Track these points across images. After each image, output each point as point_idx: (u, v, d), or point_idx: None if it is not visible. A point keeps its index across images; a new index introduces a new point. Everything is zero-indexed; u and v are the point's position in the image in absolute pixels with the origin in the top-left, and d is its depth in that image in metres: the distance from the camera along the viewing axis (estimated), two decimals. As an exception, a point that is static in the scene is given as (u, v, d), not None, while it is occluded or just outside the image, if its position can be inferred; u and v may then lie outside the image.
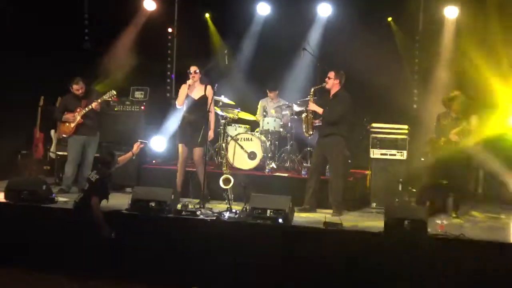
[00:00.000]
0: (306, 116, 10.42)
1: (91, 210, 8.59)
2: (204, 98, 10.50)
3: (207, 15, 13.94)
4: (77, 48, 13.61)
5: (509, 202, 11.36)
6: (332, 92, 10.37)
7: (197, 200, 10.24)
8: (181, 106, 10.55)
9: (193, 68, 10.51)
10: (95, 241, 8.55)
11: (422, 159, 10.67)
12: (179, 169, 10.65)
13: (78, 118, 10.92)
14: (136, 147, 9.69)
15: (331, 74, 10.31)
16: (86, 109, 10.89)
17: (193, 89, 10.54)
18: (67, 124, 11.02)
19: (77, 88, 10.96)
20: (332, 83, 10.30)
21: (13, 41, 12.51)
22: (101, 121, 11.33)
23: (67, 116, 11.00)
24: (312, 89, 10.51)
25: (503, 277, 8.15)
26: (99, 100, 10.86)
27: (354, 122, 11.14)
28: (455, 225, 9.36)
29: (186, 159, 10.63)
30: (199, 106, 10.46)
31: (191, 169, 10.81)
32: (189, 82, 10.48)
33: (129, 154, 9.63)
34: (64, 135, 11.18)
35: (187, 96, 10.52)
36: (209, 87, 10.52)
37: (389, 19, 12.89)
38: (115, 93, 10.90)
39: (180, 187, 10.58)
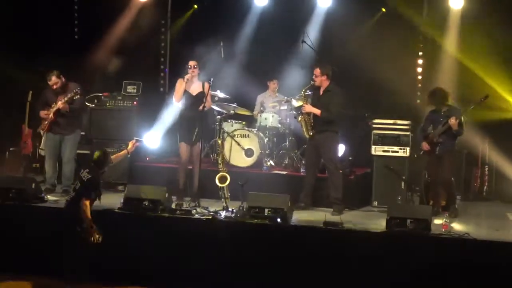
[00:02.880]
0: (303, 118, 10.28)
1: (80, 212, 8.39)
2: (202, 95, 10.38)
3: (195, 6, 13.73)
4: (67, 40, 13.51)
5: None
6: (322, 88, 10.27)
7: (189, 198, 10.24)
8: (178, 102, 10.41)
9: (192, 63, 10.39)
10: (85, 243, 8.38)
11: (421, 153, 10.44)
12: (182, 169, 10.53)
13: (50, 115, 10.63)
14: (131, 145, 9.51)
15: (317, 71, 10.19)
16: (56, 107, 10.58)
17: (191, 84, 10.41)
18: (43, 120, 10.79)
19: (51, 83, 10.63)
20: (320, 80, 10.20)
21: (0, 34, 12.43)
22: (81, 118, 11.14)
23: (42, 112, 10.74)
24: (303, 90, 10.43)
25: (508, 277, 8.06)
26: (64, 99, 10.52)
27: (352, 116, 11.12)
28: (459, 224, 9.27)
29: (188, 157, 10.46)
30: (197, 103, 10.32)
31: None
32: (187, 76, 10.35)
33: (123, 152, 9.47)
34: (41, 131, 11.00)
35: (185, 91, 10.38)
36: (206, 84, 10.40)
37: (383, 9, 12.68)
38: (79, 91, 10.57)
39: (183, 187, 10.46)
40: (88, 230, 8.30)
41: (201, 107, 10.15)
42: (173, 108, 10.61)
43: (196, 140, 10.27)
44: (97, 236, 8.30)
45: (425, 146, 10.07)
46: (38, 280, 8.87)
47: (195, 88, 10.38)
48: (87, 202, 8.41)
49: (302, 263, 8.54)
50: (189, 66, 10.35)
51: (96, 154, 8.81)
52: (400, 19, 12.41)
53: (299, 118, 10.37)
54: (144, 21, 13.25)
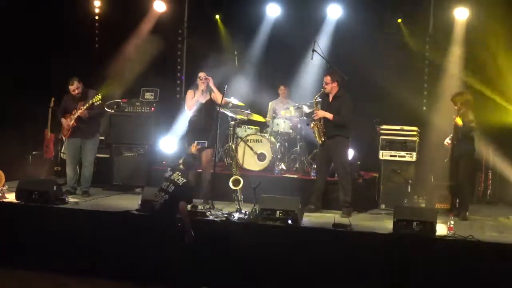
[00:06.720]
0: (315, 125, 10.34)
1: (181, 214, 8.42)
2: (210, 102, 10.54)
3: (217, 16, 13.83)
4: (87, 48, 13.70)
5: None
6: (332, 94, 10.34)
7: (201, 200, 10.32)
8: (190, 110, 10.57)
9: (202, 74, 10.53)
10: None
11: (446, 160, 10.61)
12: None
13: (72, 121, 10.82)
14: (194, 148, 9.74)
15: (327, 78, 10.25)
16: (77, 113, 10.79)
17: (202, 92, 10.56)
18: (64, 127, 10.99)
19: (73, 88, 10.83)
20: (331, 87, 10.26)
21: (24, 41, 12.56)
22: (100, 123, 11.36)
23: (64, 121, 10.93)
24: (315, 98, 10.48)
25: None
26: (84, 107, 10.75)
27: (361, 121, 11.12)
28: (464, 226, 9.31)
29: None
30: (206, 110, 10.52)
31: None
32: (201, 88, 10.50)
33: None
34: (63, 137, 11.22)
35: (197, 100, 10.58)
36: (216, 91, 10.55)
37: (399, 20, 12.79)
38: (100, 97, 10.78)
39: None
40: (187, 231, 8.39)
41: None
42: (186, 115, 10.77)
43: (209, 145, 10.35)
44: (194, 236, 8.41)
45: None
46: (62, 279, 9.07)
47: (205, 96, 10.54)
48: (187, 205, 8.54)
49: (311, 263, 8.61)
50: (200, 77, 10.49)
51: (187, 158, 8.87)
52: (407, 29, 12.61)
53: (312, 125, 10.41)
54: (162, 30, 13.42)
